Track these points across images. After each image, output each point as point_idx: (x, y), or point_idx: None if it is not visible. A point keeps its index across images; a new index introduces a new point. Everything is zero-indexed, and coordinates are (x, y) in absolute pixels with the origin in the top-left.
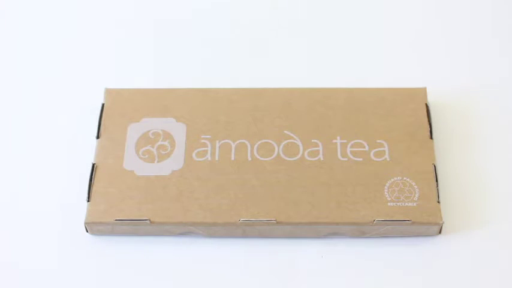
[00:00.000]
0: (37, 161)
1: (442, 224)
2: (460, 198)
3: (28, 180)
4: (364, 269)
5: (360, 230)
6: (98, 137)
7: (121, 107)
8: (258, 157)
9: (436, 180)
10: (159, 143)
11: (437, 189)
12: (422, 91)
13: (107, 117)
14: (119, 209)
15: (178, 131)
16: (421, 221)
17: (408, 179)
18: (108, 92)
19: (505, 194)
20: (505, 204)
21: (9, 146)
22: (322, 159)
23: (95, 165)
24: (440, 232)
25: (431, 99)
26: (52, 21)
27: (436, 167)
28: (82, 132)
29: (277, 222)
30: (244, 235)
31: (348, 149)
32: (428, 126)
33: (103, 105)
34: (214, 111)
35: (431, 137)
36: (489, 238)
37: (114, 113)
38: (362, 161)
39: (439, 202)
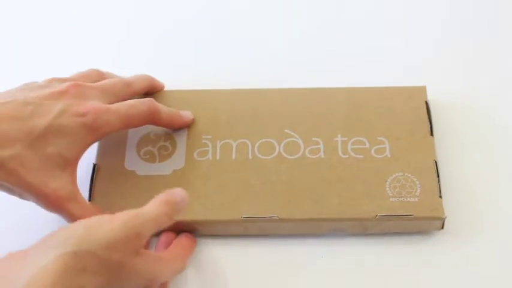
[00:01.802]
0: None
1: (445, 218)
2: (462, 194)
3: None
4: (365, 267)
5: (363, 225)
6: None
7: None
8: (259, 156)
9: (438, 176)
10: (160, 143)
11: (439, 185)
12: (422, 89)
13: None
14: (121, 208)
15: (179, 131)
16: (424, 215)
17: (409, 175)
18: None
19: (507, 191)
20: (507, 201)
21: None
22: (323, 156)
23: (96, 166)
24: (442, 227)
25: (431, 98)
26: (52, 22)
27: (437, 164)
28: None
29: (280, 219)
30: (246, 233)
31: (349, 146)
32: (428, 123)
33: None
34: (214, 112)
35: (431, 134)
36: (492, 233)
37: None
38: (363, 158)
39: (441, 197)
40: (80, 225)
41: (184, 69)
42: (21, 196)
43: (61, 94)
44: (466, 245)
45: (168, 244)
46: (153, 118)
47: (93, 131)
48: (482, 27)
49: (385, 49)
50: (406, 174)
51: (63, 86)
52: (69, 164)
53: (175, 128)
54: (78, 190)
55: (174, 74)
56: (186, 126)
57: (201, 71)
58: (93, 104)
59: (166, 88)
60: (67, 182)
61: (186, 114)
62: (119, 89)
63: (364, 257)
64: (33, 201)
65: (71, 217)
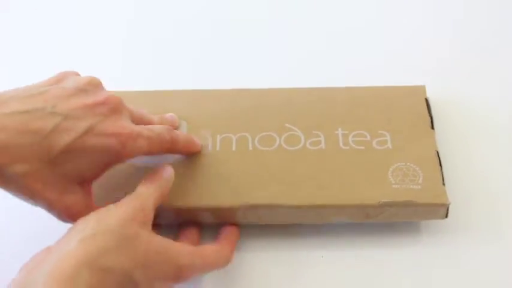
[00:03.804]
0: None
1: (449, 205)
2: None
3: None
4: (366, 267)
5: (365, 212)
6: None
7: None
8: (259, 147)
9: (440, 165)
10: None
11: (442, 173)
12: (422, 88)
13: None
14: (119, 195)
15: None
16: (427, 201)
17: (412, 165)
18: None
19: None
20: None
21: None
22: (324, 147)
23: None
24: (446, 216)
25: (430, 97)
26: (52, 26)
27: (439, 154)
28: None
29: (280, 205)
30: (245, 221)
31: (350, 139)
32: (429, 117)
33: None
34: (214, 109)
35: (432, 128)
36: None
37: None
38: (364, 149)
39: (444, 185)
40: (91, 215)
41: (185, 71)
42: (34, 205)
43: (95, 106)
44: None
45: (186, 237)
46: (172, 147)
47: (120, 155)
48: (481, 28)
49: (384, 51)
50: (408, 164)
51: (101, 97)
52: (88, 181)
53: (189, 154)
54: (93, 203)
55: (174, 75)
56: (198, 152)
57: (201, 72)
58: (127, 126)
59: (167, 88)
60: (82, 198)
61: (199, 141)
62: (141, 121)
63: (365, 257)
64: (46, 211)
65: None
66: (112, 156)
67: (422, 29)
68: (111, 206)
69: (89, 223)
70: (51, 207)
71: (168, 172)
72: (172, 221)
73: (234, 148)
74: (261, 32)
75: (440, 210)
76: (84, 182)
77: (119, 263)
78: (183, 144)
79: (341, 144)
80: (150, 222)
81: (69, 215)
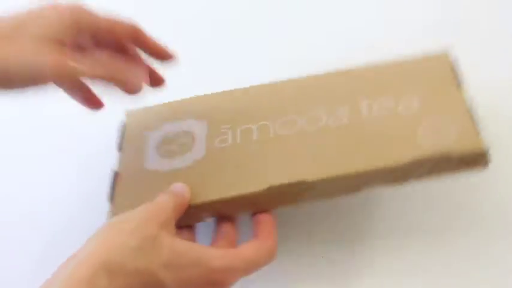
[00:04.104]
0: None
1: (488, 151)
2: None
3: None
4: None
5: (398, 173)
6: (119, 149)
7: (141, 122)
8: (281, 132)
9: (474, 116)
10: (179, 140)
11: (476, 122)
12: (444, 54)
13: (129, 130)
14: (144, 201)
15: (199, 127)
16: (463, 151)
17: (443, 120)
18: (129, 113)
19: None
20: None
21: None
22: (347, 122)
23: (116, 173)
24: (487, 165)
25: None
26: None
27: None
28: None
29: (308, 182)
30: (278, 205)
31: (375, 106)
32: (455, 78)
33: (124, 124)
34: (232, 106)
35: (460, 87)
36: None
37: (135, 128)
38: (391, 114)
39: (479, 133)
40: (109, 220)
41: (186, 71)
42: (22, 79)
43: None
44: None
45: (223, 237)
46: (137, 36)
47: (75, 18)
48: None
49: (387, 49)
50: (438, 120)
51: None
52: (59, 42)
53: (161, 58)
54: (76, 66)
55: (175, 75)
56: (171, 58)
57: (202, 72)
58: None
59: (167, 89)
60: (60, 54)
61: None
62: None
63: (367, 258)
64: (32, 76)
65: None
66: (66, 20)
67: (424, 28)
68: (130, 211)
69: (108, 227)
70: (32, 64)
71: (180, 187)
72: (203, 219)
73: (255, 137)
74: (262, 32)
75: (479, 158)
76: (55, 44)
77: (140, 263)
78: (152, 38)
79: (365, 112)
80: (172, 225)
81: (53, 66)
